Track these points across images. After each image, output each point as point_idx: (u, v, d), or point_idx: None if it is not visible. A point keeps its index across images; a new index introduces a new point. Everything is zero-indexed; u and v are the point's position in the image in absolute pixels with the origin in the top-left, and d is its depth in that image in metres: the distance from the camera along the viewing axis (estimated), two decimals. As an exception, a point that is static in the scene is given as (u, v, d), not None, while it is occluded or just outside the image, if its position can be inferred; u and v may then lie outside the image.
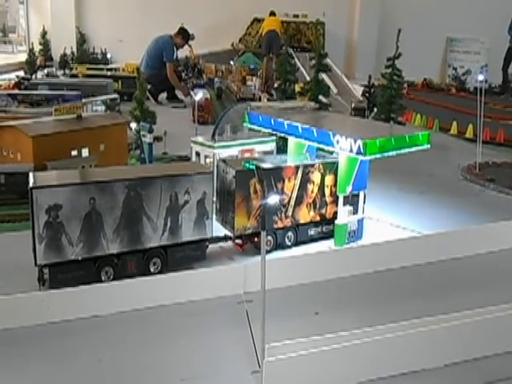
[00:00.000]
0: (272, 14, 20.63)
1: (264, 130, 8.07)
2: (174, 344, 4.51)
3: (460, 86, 20.49)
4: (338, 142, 6.59)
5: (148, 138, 7.69)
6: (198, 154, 8.18)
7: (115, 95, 12.80)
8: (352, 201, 6.86)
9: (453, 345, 4.25)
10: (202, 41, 18.88)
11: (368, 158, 6.47)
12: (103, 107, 11.94)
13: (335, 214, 6.91)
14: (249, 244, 6.38)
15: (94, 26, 22.35)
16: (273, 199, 3.67)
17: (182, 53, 17.85)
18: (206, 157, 7.99)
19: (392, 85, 11.92)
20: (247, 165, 6.48)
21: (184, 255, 5.76)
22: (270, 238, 6.43)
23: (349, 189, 6.76)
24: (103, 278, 5.33)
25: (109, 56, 20.86)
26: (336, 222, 6.83)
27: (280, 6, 21.75)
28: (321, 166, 6.84)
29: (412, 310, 4.89)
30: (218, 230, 6.29)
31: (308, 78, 14.09)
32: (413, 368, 4.17)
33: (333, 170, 6.89)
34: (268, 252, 6.32)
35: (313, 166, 6.79)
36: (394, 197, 8.32)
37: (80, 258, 5.21)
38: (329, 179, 6.89)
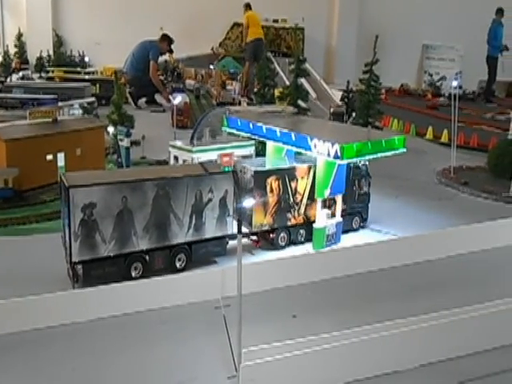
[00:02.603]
0: (248, 6, 20.03)
1: (243, 134, 8.08)
2: (151, 351, 4.45)
3: (435, 92, 20.94)
4: (315, 145, 6.65)
5: (125, 143, 7.61)
6: (176, 158, 8.12)
7: (92, 99, 12.63)
8: (330, 204, 6.95)
9: (427, 345, 4.31)
10: (182, 45, 18.83)
11: (345, 161, 6.54)
12: (80, 111, 11.75)
13: (343, 211, 7.21)
14: (263, 240, 6.64)
15: (71, 29, 22.03)
16: (248, 202, 3.70)
17: (161, 57, 17.77)
18: (184, 161, 7.94)
19: (370, 90, 12.07)
20: (225, 169, 6.51)
21: (207, 251, 6.01)
22: (284, 234, 6.77)
23: (327, 192, 6.82)
24: (133, 274, 5.47)
25: (87, 59, 20.57)
26: (314, 225, 6.88)
27: (260, 11, 21.85)
28: None
29: (389, 311, 4.95)
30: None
31: (287, 83, 14.18)
32: (390, 369, 4.21)
33: None
34: (282, 248, 6.70)
35: None
36: (371, 200, 8.42)
37: (112, 255, 5.33)
38: None
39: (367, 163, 7.55)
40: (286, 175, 6.73)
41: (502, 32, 19.95)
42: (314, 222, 6.93)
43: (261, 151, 8.55)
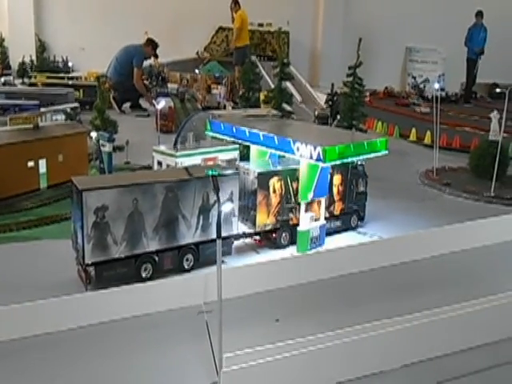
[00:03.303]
0: (237, 2, 19.98)
1: (226, 138, 8.07)
2: (134, 357, 4.41)
3: (419, 94, 21.18)
4: (298, 149, 6.68)
5: (107, 148, 7.52)
6: (159, 163, 8.07)
7: (75, 104, 12.51)
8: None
9: (407, 346, 4.34)
10: (167, 49, 18.77)
11: (328, 164, 6.57)
12: (63, 116, 11.63)
13: (342, 210, 7.49)
14: (265, 240, 6.82)
15: (54, 34, 21.79)
16: (227, 207, 3.69)
17: (145, 61, 17.68)
18: (167, 166, 7.89)
19: (353, 93, 12.13)
20: (209, 172, 6.49)
21: (213, 251, 6.05)
22: (285, 233, 6.93)
23: (310, 195, 6.84)
24: (143, 275, 5.58)
25: (70, 64, 20.38)
26: (298, 228, 6.90)
27: (245, 15, 21.88)
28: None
29: (370, 313, 4.96)
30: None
31: (273, 87, 14.22)
32: (370, 370, 4.22)
33: (341, 171, 7.40)
34: (285, 246, 6.84)
35: None
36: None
37: (123, 256, 5.42)
38: (337, 179, 7.42)
39: (364, 164, 7.76)
40: (288, 176, 6.90)
41: (481, 35, 20.30)
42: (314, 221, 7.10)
43: (246, 155, 8.55)
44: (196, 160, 7.93)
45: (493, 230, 7.16)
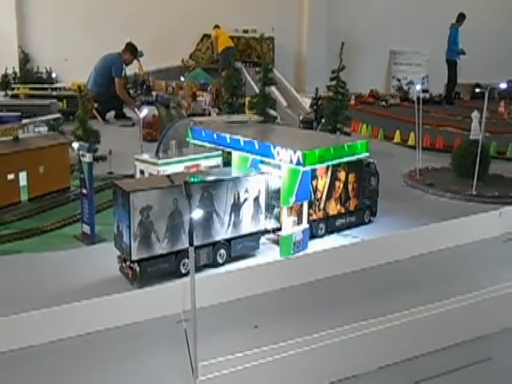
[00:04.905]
0: (217, 26, 20.89)
1: (207, 144, 8.06)
2: (111, 369, 4.34)
3: (404, 97, 21.37)
4: (278, 153, 6.69)
5: (87, 158, 7.45)
6: (142, 172, 8.03)
7: (58, 115, 12.43)
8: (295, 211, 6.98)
9: (385, 347, 4.33)
10: (152, 58, 18.79)
11: (308, 168, 6.59)
12: (46, 128, 11.54)
13: (356, 206, 7.77)
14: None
15: (37, 45, 21.70)
16: (197, 214, 3.68)
17: (130, 70, 17.69)
18: (150, 174, 7.85)
19: (337, 96, 12.19)
20: (192, 179, 6.49)
21: (243, 246, 6.59)
22: None
23: (292, 200, 6.84)
24: (182, 270, 5.90)
25: (54, 75, 20.29)
26: (281, 233, 6.89)
27: (229, 22, 22.04)
28: (345, 166, 7.53)
29: (350, 315, 4.93)
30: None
31: (258, 92, 14.27)
32: (349, 373, 4.20)
33: (355, 169, 7.66)
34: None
35: (339, 165, 7.45)
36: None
37: (165, 253, 5.77)
38: (351, 177, 7.68)
39: (375, 161, 8.08)
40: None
41: (459, 36, 20.67)
42: (332, 217, 7.46)
43: (229, 161, 8.54)
44: (178, 168, 7.90)
45: (468, 229, 7.23)
